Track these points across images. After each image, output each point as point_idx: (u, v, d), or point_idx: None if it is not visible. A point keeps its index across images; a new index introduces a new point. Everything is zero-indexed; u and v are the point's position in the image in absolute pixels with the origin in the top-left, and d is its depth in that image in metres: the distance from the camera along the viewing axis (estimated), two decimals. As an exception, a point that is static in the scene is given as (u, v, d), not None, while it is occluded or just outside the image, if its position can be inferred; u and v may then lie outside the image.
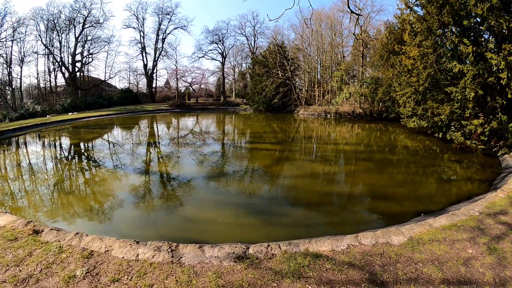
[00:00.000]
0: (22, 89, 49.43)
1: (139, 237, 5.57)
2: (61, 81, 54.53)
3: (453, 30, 15.93)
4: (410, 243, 5.20)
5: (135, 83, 69.51)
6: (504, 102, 15.21)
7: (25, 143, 20.94)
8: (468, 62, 15.97)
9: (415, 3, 19.17)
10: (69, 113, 39.93)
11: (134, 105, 54.32)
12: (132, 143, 19.77)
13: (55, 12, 49.50)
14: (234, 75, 73.26)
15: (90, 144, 19.87)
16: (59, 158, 15.59)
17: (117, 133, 26.14)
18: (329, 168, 13.53)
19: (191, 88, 63.75)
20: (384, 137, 23.62)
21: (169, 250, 4.88)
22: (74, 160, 15.27)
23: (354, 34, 36.80)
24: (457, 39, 15.56)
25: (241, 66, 74.77)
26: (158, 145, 18.73)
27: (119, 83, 77.33)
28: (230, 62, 70.67)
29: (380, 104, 34.84)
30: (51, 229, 5.68)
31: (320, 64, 47.31)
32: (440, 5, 16.24)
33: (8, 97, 45.23)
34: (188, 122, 36.73)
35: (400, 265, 4.51)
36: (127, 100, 56.23)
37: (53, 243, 5.17)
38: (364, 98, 36.81)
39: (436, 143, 19.63)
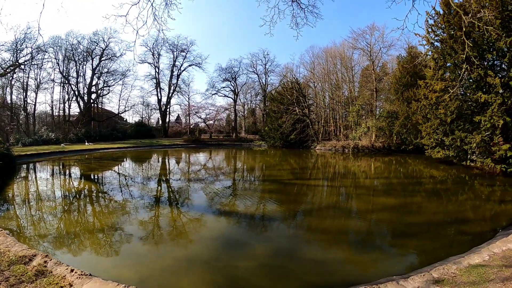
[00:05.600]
0: (35, 115, 50.77)
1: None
2: (74, 110, 55.93)
3: (478, 63, 16.93)
4: None
5: (147, 117, 71.50)
6: None
7: (54, 171, 20.94)
8: (492, 92, 16.90)
9: (435, 39, 20.40)
10: (86, 143, 40.59)
11: (149, 139, 55.18)
12: (184, 180, 18.28)
13: (74, 42, 51.77)
14: (244, 112, 75.01)
15: (127, 177, 18.59)
16: (101, 192, 14.07)
17: (146, 167, 25.27)
18: (390, 201, 13.27)
19: (204, 123, 64.99)
20: (411, 169, 23.89)
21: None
22: (125, 196, 13.03)
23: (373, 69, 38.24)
24: (482, 71, 16.53)
25: (251, 103, 76.93)
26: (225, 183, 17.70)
27: (132, 116, 78.88)
28: (240, 99, 72.64)
29: (397, 136, 35.58)
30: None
31: (334, 99, 48.65)
32: (463, 41, 17.35)
33: (21, 122, 46.54)
34: (212, 157, 35.57)
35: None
36: (141, 134, 57.27)
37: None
38: (382, 131, 37.64)
39: (462, 170, 20.25)
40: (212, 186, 16.05)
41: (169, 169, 24.23)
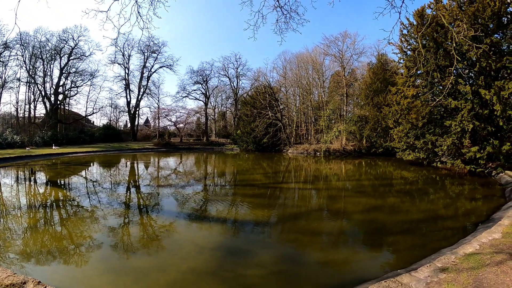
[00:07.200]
0: (-1, 116, 46.84)
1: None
2: (40, 112, 52.99)
3: (450, 71, 18.26)
4: (506, 235, 7.10)
5: (115, 120, 69.39)
6: (493, 129, 17.95)
7: (23, 178, 19.15)
8: (462, 99, 18.29)
9: (408, 48, 21.70)
10: (53, 147, 38.78)
11: (118, 142, 53.48)
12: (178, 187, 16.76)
13: (42, 40, 49.10)
14: (214, 115, 74.79)
15: (105, 185, 17.17)
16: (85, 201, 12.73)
17: (121, 173, 23.71)
18: (370, 201, 13.67)
19: (175, 126, 64.02)
20: (382, 171, 25.00)
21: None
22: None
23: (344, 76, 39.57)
24: (453, 79, 17.85)
25: (221, 106, 76.94)
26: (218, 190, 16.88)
27: (100, 119, 76.11)
28: (211, 102, 72.38)
29: (367, 140, 37.14)
30: None
31: (305, 104, 49.76)
32: (436, 50, 18.65)
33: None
34: (187, 162, 34.49)
35: (513, 245, 6.35)
36: (109, 137, 55.60)
37: None
38: (353, 135, 39.05)
39: (432, 171, 21.55)
40: (198, 193, 15.57)
41: (147, 175, 22.95)
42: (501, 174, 17.19)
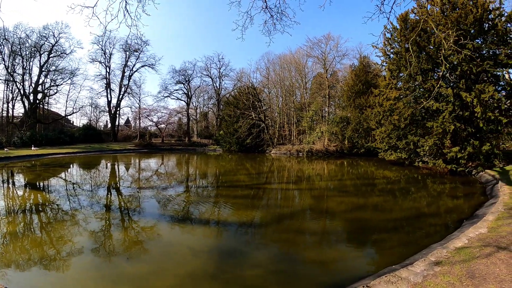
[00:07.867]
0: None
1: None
2: (18, 111, 51.06)
3: (432, 75, 18.87)
4: (491, 230, 7.45)
5: (95, 120, 67.74)
6: (474, 130, 18.74)
7: (5, 181, 18.25)
8: (443, 101, 18.93)
9: (391, 51, 22.26)
10: (32, 148, 37.54)
11: (98, 143, 52.27)
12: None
13: (22, 36, 47.30)
14: (196, 116, 74.31)
15: (92, 188, 16.13)
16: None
17: (106, 175, 22.95)
18: (353, 200, 13.87)
19: (156, 127, 63.13)
20: (364, 171, 25.36)
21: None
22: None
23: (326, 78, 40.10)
24: (435, 82, 18.46)
25: (203, 106, 76.53)
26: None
27: (79, 119, 74.35)
28: (193, 103, 71.66)
29: (349, 140, 37.81)
30: None
31: (288, 105, 50.14)
32: (418, 54, 19.22)
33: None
34: (169, 163, 34.01)
35: (500, 238, 6.71)
36: (90, 138, 54.17)
37: None
38: (335, 136, 39.63)
39: (414, 171, 22.19)
40: (185, 196, 15.05)
41: (129, 177, 21.95)
42: (481, 173, 18.04)
